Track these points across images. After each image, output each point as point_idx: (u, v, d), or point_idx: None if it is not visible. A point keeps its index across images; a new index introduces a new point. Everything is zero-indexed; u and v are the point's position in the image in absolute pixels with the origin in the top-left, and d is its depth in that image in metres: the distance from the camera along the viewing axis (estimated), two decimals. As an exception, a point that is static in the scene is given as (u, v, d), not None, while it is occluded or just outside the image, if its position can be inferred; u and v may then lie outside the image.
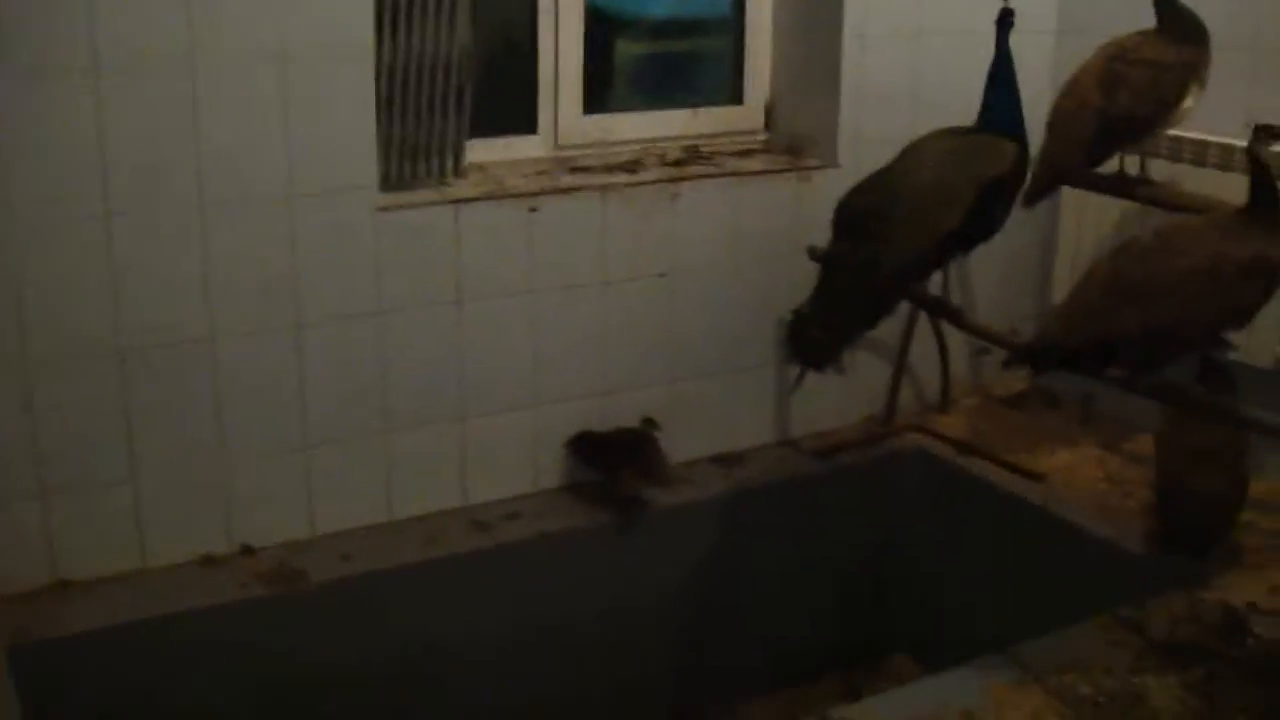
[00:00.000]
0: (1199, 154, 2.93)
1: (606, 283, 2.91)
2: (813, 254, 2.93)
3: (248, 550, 2.67)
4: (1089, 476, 3.04)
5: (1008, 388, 3.48)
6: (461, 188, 2.75)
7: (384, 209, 2.65)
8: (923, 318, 3.25)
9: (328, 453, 2.71)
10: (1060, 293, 3.23)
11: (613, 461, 2.93)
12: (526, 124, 2.98)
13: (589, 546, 2.88)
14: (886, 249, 2.42)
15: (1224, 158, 2.88)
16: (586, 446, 2.97)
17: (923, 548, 3.23)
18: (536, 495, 2.94)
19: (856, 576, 3.25)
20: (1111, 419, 3.27)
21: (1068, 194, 3.17)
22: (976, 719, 2.16)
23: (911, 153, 2.52)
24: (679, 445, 3.06)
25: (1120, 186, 2.79)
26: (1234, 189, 2.53)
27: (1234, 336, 2.38)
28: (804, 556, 3.15)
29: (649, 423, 2.96)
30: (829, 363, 2.57)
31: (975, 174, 2.42)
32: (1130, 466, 3.06)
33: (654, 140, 3.11)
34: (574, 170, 2.94)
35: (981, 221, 2.44)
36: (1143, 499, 2.83)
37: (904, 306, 2.93)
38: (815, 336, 2.54)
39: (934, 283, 3.11)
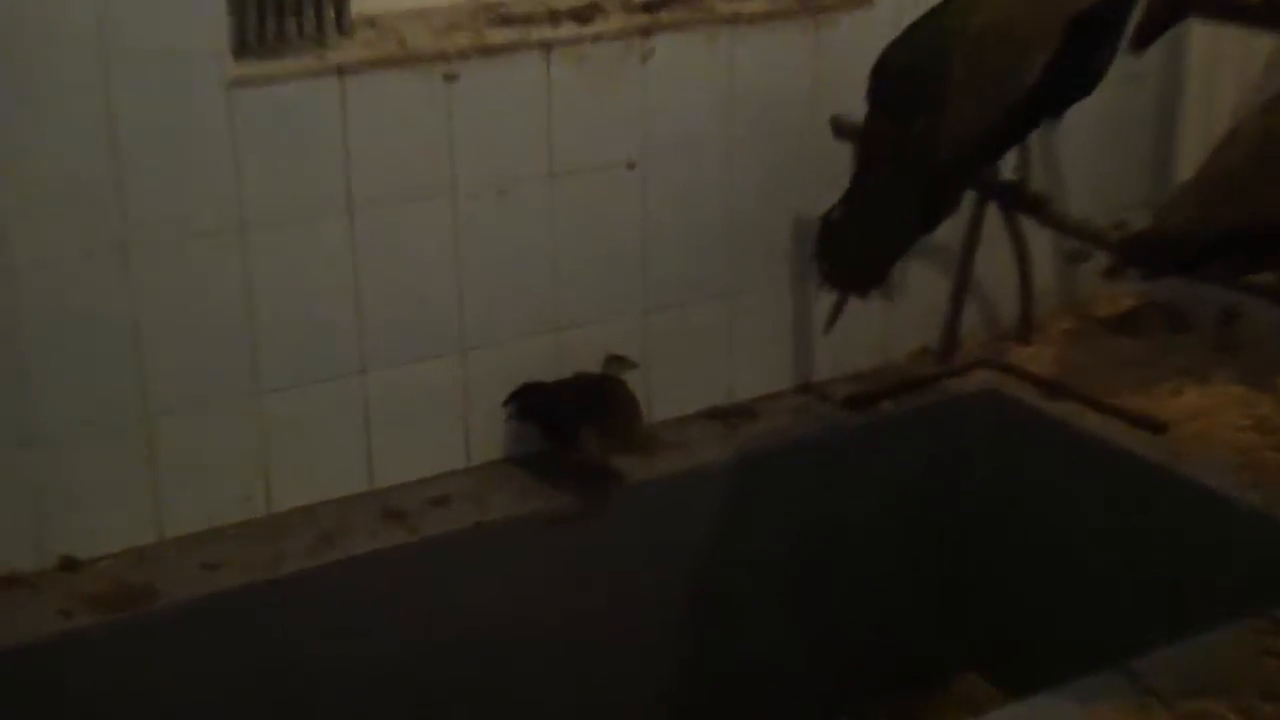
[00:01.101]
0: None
1: (553, 177, 2.93)
2: (839, 129, 3.01)
3: (69, 564, 2.69)
4: (1229, 424, 3.07)
5: (1114, 305, 3.52)
6: (348, 50, 2.75)
7: (241, 82, 2.64)
8: (993, 212, 3.28)
9: (176, 426, 2.73)
10: (1187, 168, 3.18)
11: (570, 421, 2.96)
12: (435, -43, 3.01)
13: (542, 539, 2.91)
14: (944, 121, 2.42)
15: None
16: (534, 403, 2.99)
17: (998, 528, 3.28)
18: (469, 473, 2.98)
19: (909, 571, 3.30)
20: (1261, 345, 3.31)
21: (1197, 30, 3.22)
22: (1083, 762, 2.22)
23: (974, -17, 2.58)
24: (661, 397, 3.11)
25: (1273, 13, 2.81)
26: None
27: None
28: (836, 544, 3.20)
29: (617, 363, 2.99)
30: (874, 285, 2.60)
31: (1062, 6, 2.42)
32: (1288, 411, 3.16)
33: (615, -25, 3.18)
34: (504, 21, 2.91)
35: (1074, 73, 2.47)
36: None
37: (968, 198, 2.95)
38: (854, 251, 2.56)
39: (1007, 163, 3.13)
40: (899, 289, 2.89)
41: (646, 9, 3.00)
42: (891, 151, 2.52)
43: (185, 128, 2.62)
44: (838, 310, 2.67)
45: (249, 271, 2.71)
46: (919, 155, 2.48)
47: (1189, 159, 3.28)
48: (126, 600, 2.62)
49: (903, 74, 2.51)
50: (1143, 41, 2.65)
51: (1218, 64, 3.26)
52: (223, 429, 2.77)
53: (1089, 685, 2.29)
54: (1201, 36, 3.24)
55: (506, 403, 2.99)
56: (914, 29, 2.57)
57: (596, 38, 2.91)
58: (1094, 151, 3.45)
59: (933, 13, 2.56)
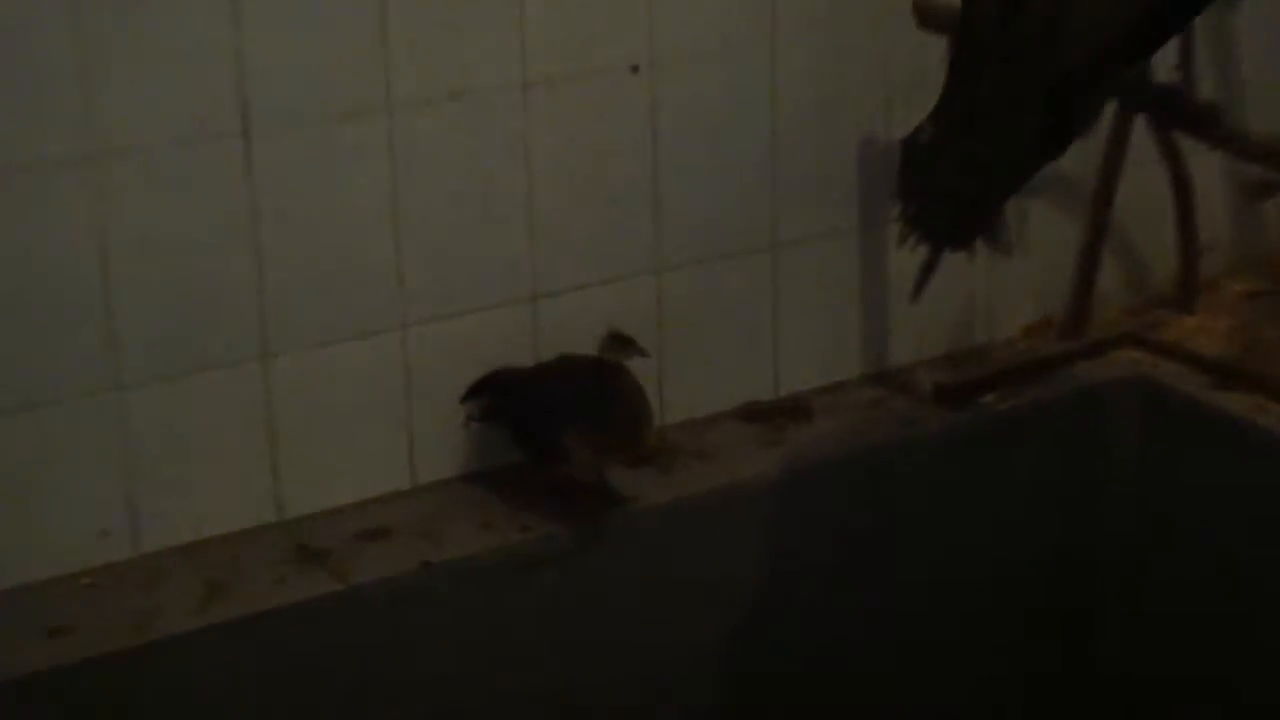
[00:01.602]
0: None
1: (529, 85, 2.89)
2: (925, 16, 3.04)
3: None
4: None
5: None
6: None
7: None
8: (1141, 130, 3.26)
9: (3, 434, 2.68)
10: None
11: (552, 423, 2.91)
12: None
13: (515, 587, 2.86)
14: (1072, 9, 2.29)
15: None
16: (503, 399, 2.96)
17: (1143, 559, 3.28)
18: (415, 496, 2.94)
19: (1033, 619, 3.30)
20: None
21: None
22: None
23: None
24: (679, 389, 3.10)
25: None
26: None
27: None
28: (927, 583, 3.19)
29: (618, 345, 2.93)
30: (979, 233, 2.54)
31: None
32: None
33: None
34: None
35: None
36: None
37: (1106, 111, 2.90)
38: (950, 186, 2.50)
39: (1163, 61, 3.08)
40: (1014, 239, 2.75)
41: None
42: (1001, 48, 2.38)
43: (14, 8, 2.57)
44: (929, 270, 2.55)
45: (104, 216, 2.65)
46: (1039, 52, 2.34)
47: None
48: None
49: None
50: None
51: None
52: (68, 440, 2.71)
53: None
54: None
55: (466, 398, 2.94)
56: None
57: (587, -108, 2.99)
58: None
59: None
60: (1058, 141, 2.47)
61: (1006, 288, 3.33)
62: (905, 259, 2.75)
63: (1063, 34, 2.34)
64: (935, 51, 2.77)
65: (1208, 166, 3.36)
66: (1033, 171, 2.54)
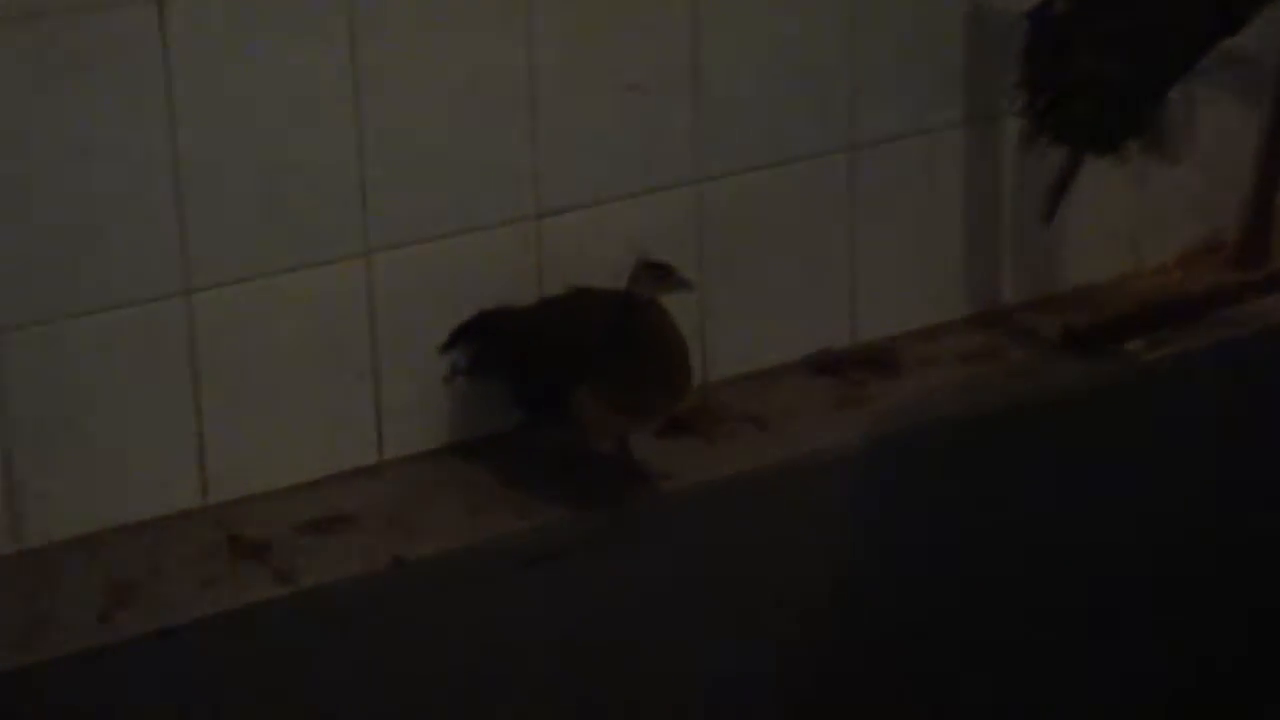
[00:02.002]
0: None
1: None
2: None
3: None
4: None
5: None
6: None
7: None
8: None
9: None
10: None
11: (560, 376, 2.84)
12: None
13: (513, 589, 2.80)
14: None
15: None
16: (498, 346, 2.91)
17: None
18: (382, 473, 2.89)
19: (1192, 614, 3.28)
20: None
21: None
22: None
23: None
24: (731, 335, 3.07)
25: None
26: None
27: None
28: (1063, 578, 3.16)
29: (652, 273, 2.82)
30: (1131, 133, 2.59)
31: None
32: None
33: None
34: None
35: None
36: None
37: None
38: (1095, 71, 2.55)
39: None
40: (1181, 141, 2.81)
41: None
42: None
43: None
44: (1065, 181, 2.64)
45: None
46: None
47: None
48: None
49: None
50: None
51: None
52: None
53: None
54: None
55: (448, 346, 2.88)
56: None
57: None
58: None
59: None
60: (1234, 10, 2.61)
61: (1161, 203, 3.31)
62: (1029, 165, 2.90)
63: None
64: None
65: None
66: (1202, 51, 2.66)
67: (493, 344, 2.88)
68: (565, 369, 2.82)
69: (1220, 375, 3.24)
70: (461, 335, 2.87)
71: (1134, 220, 3.30)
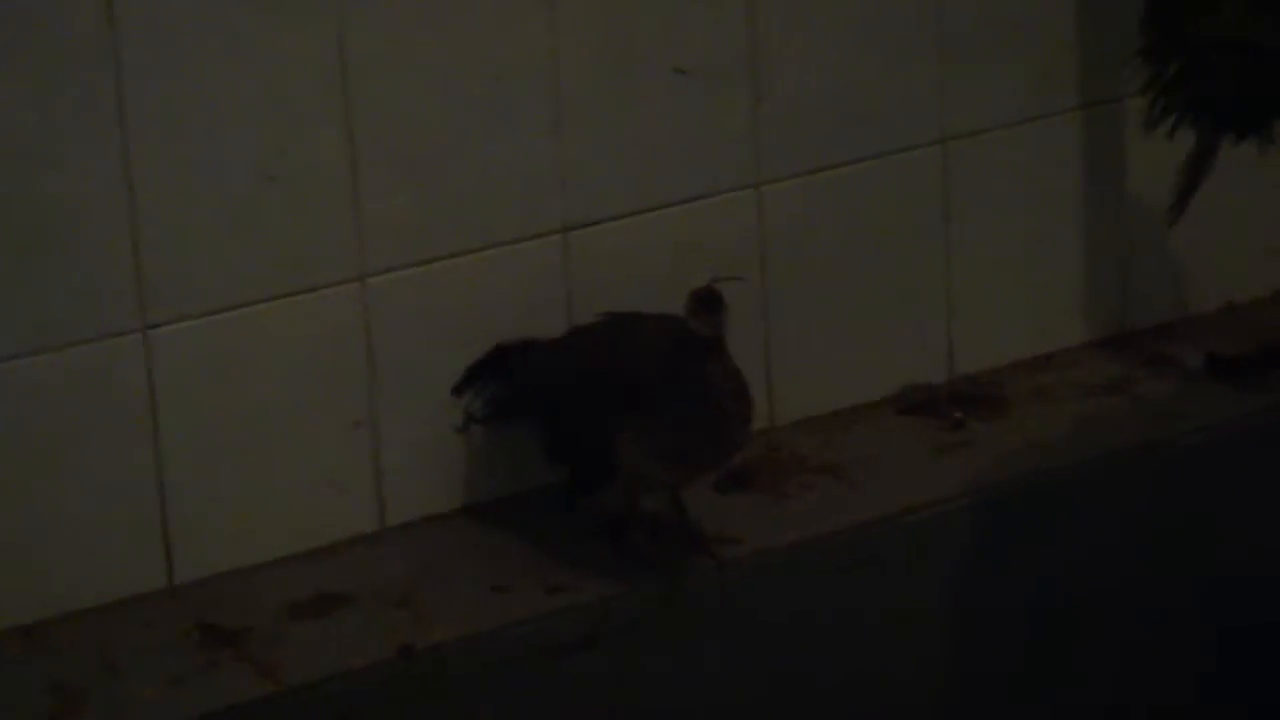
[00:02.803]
0: None
1: None
2: None
3: None
4: None
5: None
6: None
7: None
8: None
9: None
10: None
11: (602, 422, 2.65)
12: None
13: (549, 682, 2.60)
14: None
15: None
16: (523, 387, 2.73)
17: None
18: (385, 543, 2.72)
19: None
20: None
21: None
22: None
23: None
24: (802, 371, 2.92)
25: None
26: None
27: None
28: (1201, 647, 2.99)
29: (707, 305, 2.60)
30: None
31: None
32: None
33: None
34: None
35: None
36: None
37: None
38: (1239, 34, 2.50)
39: None
40: None
41: None
42: None
43: None
44: (1199, 169, 2.52)
45: None
46: None
47: None
48: None
49: None
50: None
51: None
52: None
53: None
54: None
55: (462, 387, 2.71)
56: None
57: None
58: None
59: None
60: None
61: None
62: (1159, 152, 2.75)
63: None
64: None
65: None
66: None
67: (516, 384, 2.70)
68: (605, 412, 2.63)
69: None
70: (478, 374, 2.69)
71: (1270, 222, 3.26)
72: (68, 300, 2.61)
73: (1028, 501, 2.89)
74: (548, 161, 2.76)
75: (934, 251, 3.01)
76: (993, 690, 2.98)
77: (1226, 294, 3.16)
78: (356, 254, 2.67)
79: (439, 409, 2.72)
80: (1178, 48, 2.56)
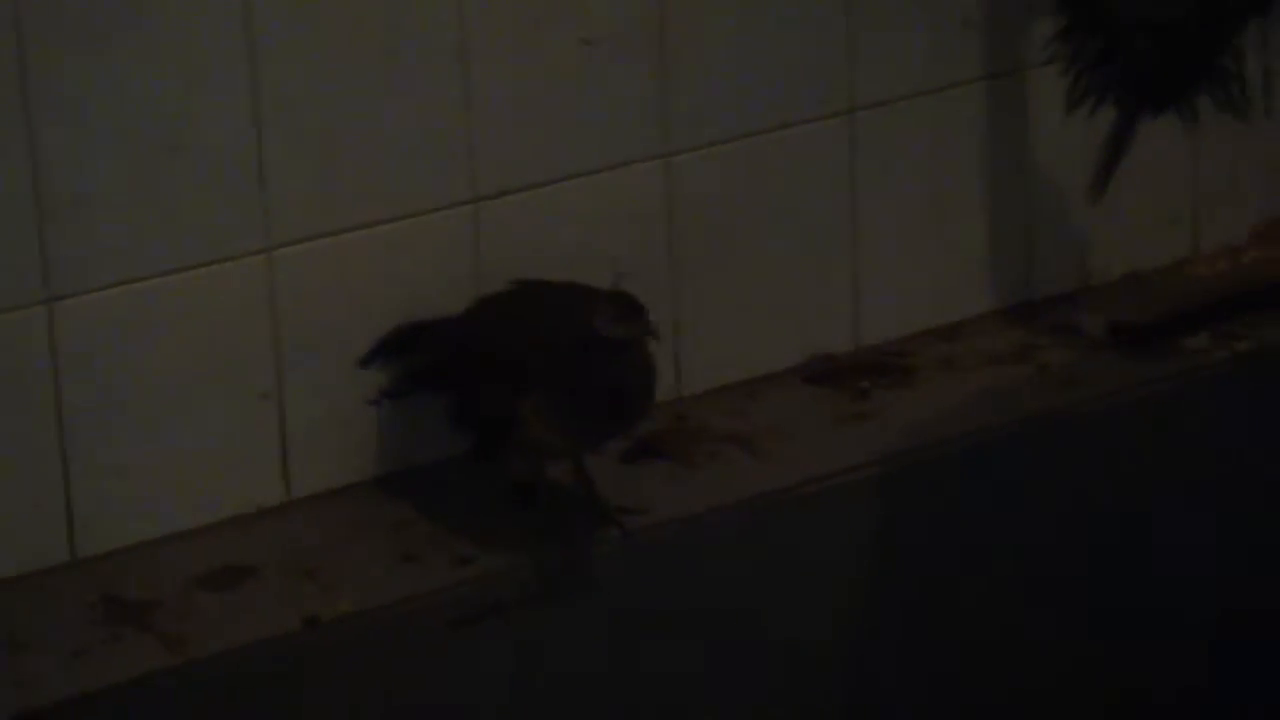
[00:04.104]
0: None
1: None
2: None
3: None
4: None
5: None
6: None
7: None
8: None
9: None
10: None
11: (508, 391, 2.65)
12: None
13: (449, 651, 2.63)
14: None
15: None
16: (430, 357, 2.75)
17: None
18: (291, 513, 2.71)
19: (1240, 646, 3.21)
20: None
21: None
22: None
23: None
24: (709, 341, 2.93)
25: None
26: None
27: None
28: (1116, 613, 3.07)
29: (620, 311, 2.67)
30: (1198, 88, 2.58)
31: None
32: None
33: None
34: None
35: None
36: None
37: None
38: (1154, 15, 2.55)
39: None
40: (1257, 95, 2.78)
41: None
42: None
43: None
44: (1118, 147, 2.56)
45: None
46: None
47: None
48: None
49: None
50: None
51: None
52: None
53: None
54: None
55: (369, 360, 2.70)
56: None
57: None
58: None
59: None
60: None
61: (1229, 171, 3.17)
62: (1069, 127, 2.82)
63: None
64: None
65: None
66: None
67: (424, 356, 2.71)
68: (508, 381, 2.66)
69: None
70: (385, 347, 2.69)
71: (1196, 193, 3.16)
72: None
73: (932, 470, 2.90)
74: (456, 133, 2.76)
75: (841, 221, 3.00)
76: (896, 656, 2.97)
77: (1130, 262, 3.16)
78: (262, 226, 2.68)
79: (346, 381, 2.72)
80: (1096, 29, 2.57)
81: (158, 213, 2.63)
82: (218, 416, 2.68)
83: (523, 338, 2.68)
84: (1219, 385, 3.07)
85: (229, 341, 2.69)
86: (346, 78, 2.74)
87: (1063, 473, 3.01)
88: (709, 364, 2.92)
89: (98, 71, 2.63)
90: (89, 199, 2.63)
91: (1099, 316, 3.07)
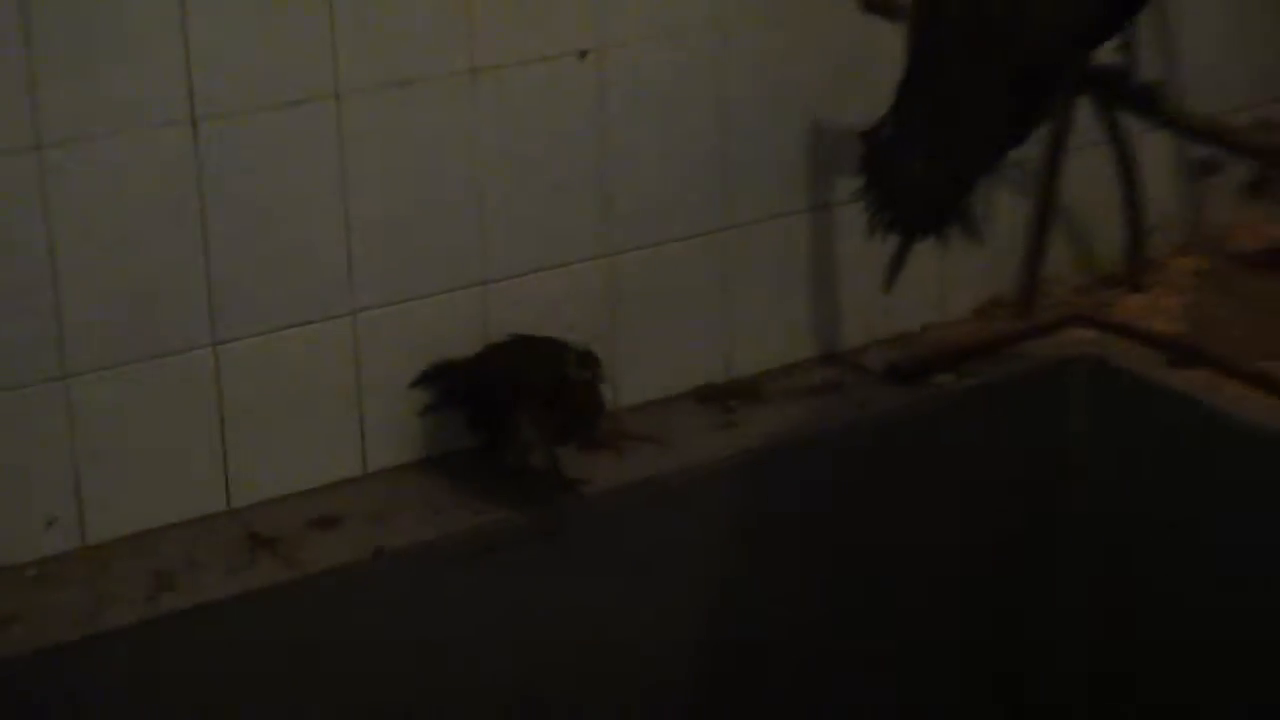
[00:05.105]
0: None
1: (475, 71, 2.74)
2: (871, 2, 2.97)
3: None
4: None
5: (1258, 237, 3.39)
6: None
7: None
8: (1084, 111, 3.14)
9: None
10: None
11: (504, 407, 2.79)
12: None
13: (468, 573, 2.74)
14: None
15: None
16: (457, 384, 2.83)
17: (1103, 542, 3.18)
18: (366, 483, 2.82)
19: (985, 600, 3.21)
20: None
21: None
22: None
23: None
24: (632, 372, 3.00)
25: None
26: None
27: None
28: (882, 564, 3.10)
29: (586, 364, 2.84)
30: (950, 222, 2.50)
31: None
32: None
33: None
34: None
35: None
36: None
37: None
38: (919, 177, 2.48)
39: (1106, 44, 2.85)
40: (983, 225, 2.72)
41: None
42: (967, 37, 2.40)
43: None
44: (900, 260, 2.51)
45: (50, 210, 2.50)
46: (1006, 39, 2.36)
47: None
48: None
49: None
50: None
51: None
52: (14, 429, 2.57)
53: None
54: None
55: (416, 383, 2.80)
56: None
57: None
58: (1220, 27, 3.37)
59: None
60: (1026, 126, 2.47)
61: (957, 270, 3.20)
62: (855, 240, 2.73)
63: (1029, 20, 2.34)
64: (878, 36, 2.84)
65: (1153, 146, 3.27)
66: (1001, 158, 2.52)
67: (451, 384, 2.83)
68: (508, 402, 2.80)
69: (1006, 398, 3.19)
70: (426, 377, 2.81)
71: (940, 283, 3.21)
72: (154, 320, 2.62)
73: (775, 459, 2.97)
74: (475, 243, 2.79)
75: (718, 301, 3.04)
76: (758, 583, 3.02)
77: (901, 326, 3.19)
78: (350, 296, 2.72)
79: (403, 397, 2.80)
80: (881, 186, 2.54)
81: (289, 288, 2.65)
82: (324, 421, 2.76)
83: (517, 374, 2.82)
84: (959, 408, 3.15)
85: (332, 371, 2.74)
86: (405, 213, 2.76)
87: (865, 465, 3.08)
88: (634, 389, 2.99)
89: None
90: (253, 272, 2.63)
91: (881, 360, 3.16)
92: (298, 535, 2.70)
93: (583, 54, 2.82)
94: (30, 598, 2.54)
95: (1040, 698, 3.36)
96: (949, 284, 3.25)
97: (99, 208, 2.58)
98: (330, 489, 2.79)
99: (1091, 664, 3.33)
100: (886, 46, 2.66)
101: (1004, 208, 3.23)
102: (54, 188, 2.52)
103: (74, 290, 2.55)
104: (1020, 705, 3.35)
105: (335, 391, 2.80)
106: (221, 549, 2.66)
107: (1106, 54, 2.96)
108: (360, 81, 2.68)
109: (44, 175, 2.51)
